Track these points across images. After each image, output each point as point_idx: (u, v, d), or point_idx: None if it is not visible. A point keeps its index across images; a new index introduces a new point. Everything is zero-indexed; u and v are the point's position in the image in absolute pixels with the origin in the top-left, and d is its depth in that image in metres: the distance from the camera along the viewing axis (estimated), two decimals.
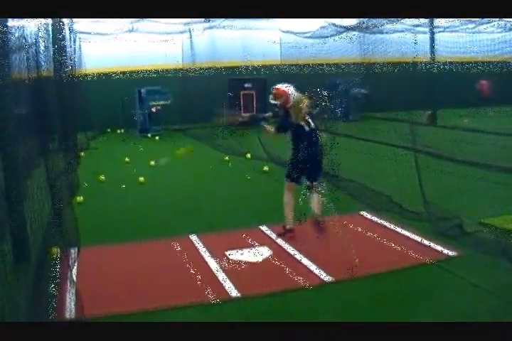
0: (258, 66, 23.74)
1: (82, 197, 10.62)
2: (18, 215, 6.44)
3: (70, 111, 15.60)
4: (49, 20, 10.92)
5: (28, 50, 7.45)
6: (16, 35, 6.69)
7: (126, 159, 15.42)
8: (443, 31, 22.03)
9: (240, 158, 15.30)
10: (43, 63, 9.51)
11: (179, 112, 22.12)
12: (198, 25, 22.06)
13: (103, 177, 12.72)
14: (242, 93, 22.63)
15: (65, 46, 15.94)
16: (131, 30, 21.33)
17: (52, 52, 11.33)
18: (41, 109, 8.71)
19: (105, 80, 22.42)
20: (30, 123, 7.92)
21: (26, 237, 6.52)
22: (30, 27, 7.75)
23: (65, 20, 15.89)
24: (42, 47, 9.50)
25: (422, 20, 20.62)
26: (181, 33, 22.73)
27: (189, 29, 22.59)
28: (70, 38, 17.33)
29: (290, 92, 7.97)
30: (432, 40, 22.22)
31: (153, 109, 21.29)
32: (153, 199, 11.07)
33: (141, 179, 12.49)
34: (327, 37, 21.03)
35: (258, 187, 11.89)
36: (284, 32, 23.44)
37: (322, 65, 21.89)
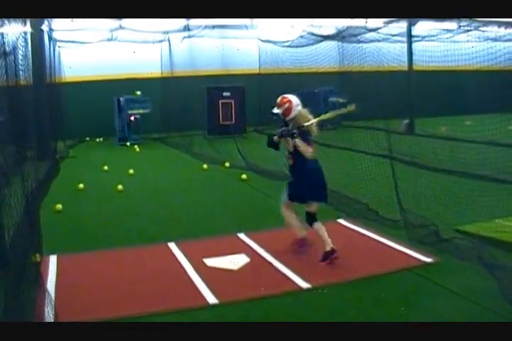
0: (237, 75, 23.69)
1: (61, 205, 10.59)
2: None
3: (49, 119, 15.57)
4: (28, 28, 10.90)
5: (6, 57, 7.41)
6: None
7: (105, 167, 15.39)
8: (420, 40, 22.23)
9: (219, 167, 15.33)
10: (21, 71, 9.48)
11: (158, 121, 22.10)
12: (176, 34, 22.08)
13: (82, 186, 12.68)
14: (220, 102, 22.59)
15: (44, 54, 15.94)
16: (110, 39, 21.34)
17: (31, 61, 11.30)
18: (20, 117, 8.68)
19: (84, 88, 22.27)
20: (8, 131, 7.89)
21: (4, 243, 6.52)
22: (9, 34, 7.71)
23: (44, 28, 15.92)
24: (20, 55, 9.47)
25: (400, 30, 20.87)
26: (160, 41, 22.74)
27: (168, 38, 22.60)
28: (49, 46, 17.27)
29: (294, 102, 7.24)
30: (410, 49, 22.42)
31: (132, 118, 21.21)
32: (131, 207, 11.07)
33: (120, 187, 12.47)
34: (306, 46, 21.12)
35: (236, 195, 11.94)
36: (262, 41, 23.52)
37: (300, 73, 21.93)
